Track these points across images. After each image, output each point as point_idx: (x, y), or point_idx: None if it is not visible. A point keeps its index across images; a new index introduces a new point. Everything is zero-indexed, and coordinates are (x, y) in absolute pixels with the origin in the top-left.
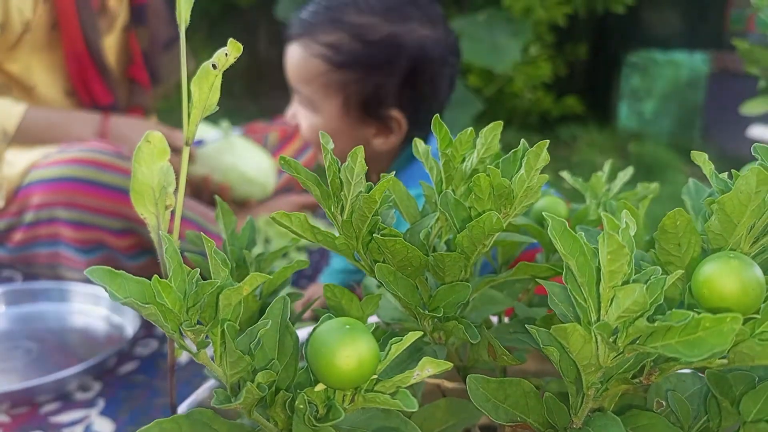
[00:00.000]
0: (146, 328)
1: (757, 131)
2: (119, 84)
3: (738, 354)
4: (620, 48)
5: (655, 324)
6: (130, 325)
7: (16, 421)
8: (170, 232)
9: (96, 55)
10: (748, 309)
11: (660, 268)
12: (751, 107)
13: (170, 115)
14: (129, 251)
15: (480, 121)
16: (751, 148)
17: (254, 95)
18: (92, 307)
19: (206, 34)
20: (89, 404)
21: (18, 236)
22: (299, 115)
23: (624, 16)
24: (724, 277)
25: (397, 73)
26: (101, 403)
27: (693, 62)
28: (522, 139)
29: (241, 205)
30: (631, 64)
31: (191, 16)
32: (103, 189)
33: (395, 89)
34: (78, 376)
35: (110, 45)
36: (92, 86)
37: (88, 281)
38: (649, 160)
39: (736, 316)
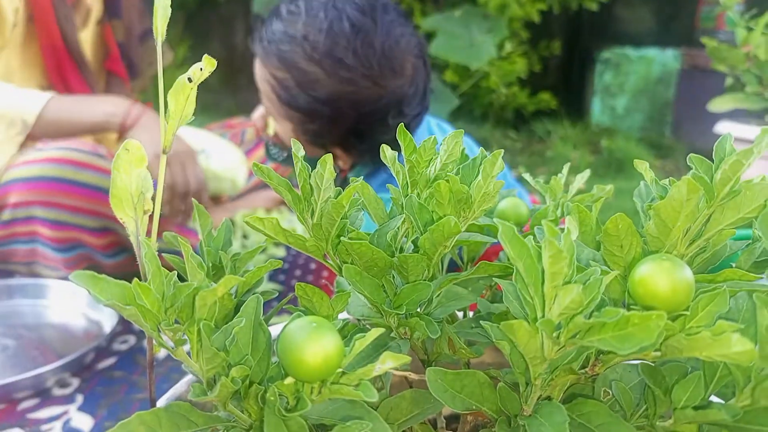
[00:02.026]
0: (124, 324)
1: (724, 127)
2: (97, 77)
3: (669, 347)
4: (593, 44)
5: (591, 320)
6: (107, 321)
7: None
8: (149, 233)
9: (73, 49)
10: (678, 306)
11: (600, 269)
12: (717, 104)
13: None
14: (106, 250)
15: (456, 116)
16: (687, 159)
17: (231, 89)
18: (69, 303)
19: (183, 27)
20: (67, 400)
21: None
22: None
23: (597, 13)
24: (656, 277)
25: (338, 126)
26: (79, 399)
27: (664, 59)
28: (481, 148)
29: (214, 200)
30: (604, 61)
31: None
32: (80, 188)
33: (336, 135)
34: (56, 372)
35: (86, 39)
36: (69, 80)
37: (65, 278)
38: (621, 155)
39: (661, 313)
